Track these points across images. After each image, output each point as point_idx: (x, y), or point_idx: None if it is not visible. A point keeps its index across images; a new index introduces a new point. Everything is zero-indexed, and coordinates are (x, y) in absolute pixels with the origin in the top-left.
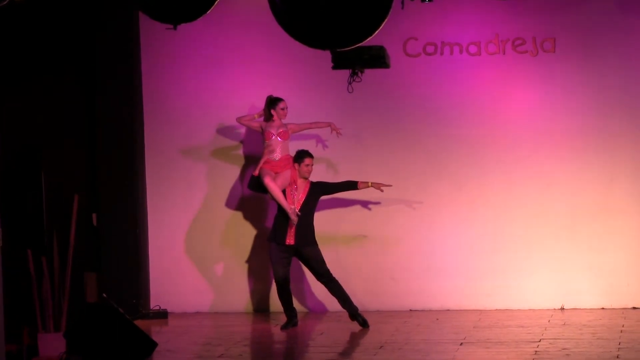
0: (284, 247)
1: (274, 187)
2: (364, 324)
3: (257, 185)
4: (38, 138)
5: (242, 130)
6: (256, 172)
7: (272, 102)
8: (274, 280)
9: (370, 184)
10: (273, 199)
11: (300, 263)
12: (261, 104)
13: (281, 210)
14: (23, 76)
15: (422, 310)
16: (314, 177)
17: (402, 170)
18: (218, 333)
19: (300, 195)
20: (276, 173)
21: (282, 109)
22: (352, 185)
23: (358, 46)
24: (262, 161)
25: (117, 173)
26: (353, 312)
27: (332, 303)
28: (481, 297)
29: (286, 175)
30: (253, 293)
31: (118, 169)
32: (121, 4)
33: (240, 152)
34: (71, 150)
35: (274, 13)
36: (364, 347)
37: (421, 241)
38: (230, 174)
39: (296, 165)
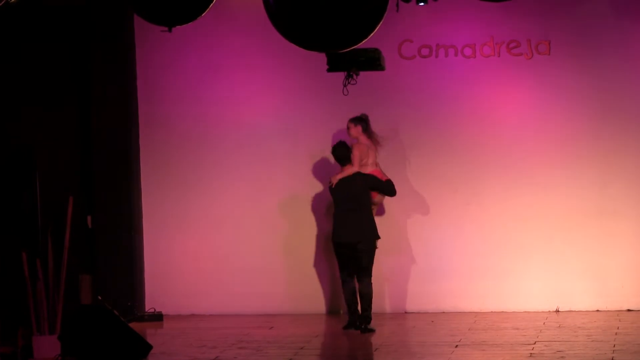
0: None
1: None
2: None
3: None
4: (32, 139)
5: (238, 133)
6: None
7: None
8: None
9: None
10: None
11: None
12: (258, 104)
13: None
14: (17, 76)
15: (418, 313)
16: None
17: (396, 172)
18: (213, 335)
19: None
20: None
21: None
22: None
23: (353, 48)
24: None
25: (112, 175)
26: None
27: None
28: (476, 299)
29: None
30: (248, 295)
31: (113, 171)
32: (116, 6)
33: (237, 154)
34: (66, 151)
35: (269, 15)
36: (359, 350)
37: (416, 243)
38: (225, 177)
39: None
